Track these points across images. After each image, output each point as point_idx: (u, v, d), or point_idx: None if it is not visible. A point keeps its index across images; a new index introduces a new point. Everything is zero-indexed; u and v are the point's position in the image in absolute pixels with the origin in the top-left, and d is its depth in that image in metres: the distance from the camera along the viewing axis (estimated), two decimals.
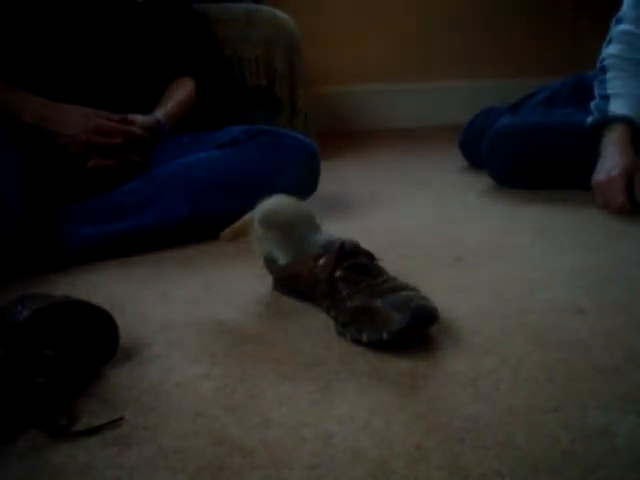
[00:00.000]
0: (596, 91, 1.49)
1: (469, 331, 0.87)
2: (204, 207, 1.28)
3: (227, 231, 1.06)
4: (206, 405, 0.73)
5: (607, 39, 1.52)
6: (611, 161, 1.38)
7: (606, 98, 1.45)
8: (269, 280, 1.04)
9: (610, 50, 1.49)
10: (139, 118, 1.39)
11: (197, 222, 1.28)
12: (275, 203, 0.99)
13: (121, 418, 0.70)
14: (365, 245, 0.95)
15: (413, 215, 1.44)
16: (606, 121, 1.43)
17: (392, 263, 0.94)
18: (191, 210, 1.27)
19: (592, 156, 1.42)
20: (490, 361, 0.79)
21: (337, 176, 1.69)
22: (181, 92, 1.54)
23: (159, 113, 1.45)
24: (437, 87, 2.65)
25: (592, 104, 1.48)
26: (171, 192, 1.27)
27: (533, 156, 1.53)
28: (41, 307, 0.75)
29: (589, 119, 1.46)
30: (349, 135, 2.45)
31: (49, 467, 0.64)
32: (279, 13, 1.89)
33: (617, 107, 1.42)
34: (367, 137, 2.44)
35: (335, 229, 1.02)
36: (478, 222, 1.37)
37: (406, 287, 0.86)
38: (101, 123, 1.32)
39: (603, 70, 1.49)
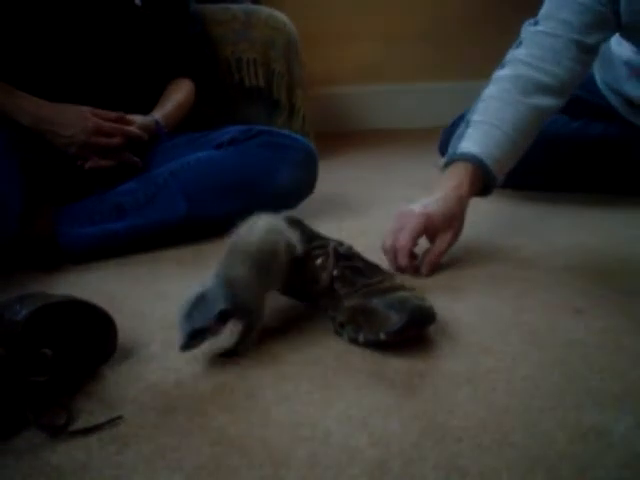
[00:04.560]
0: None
1: (466, 331, 0.87)
2: (202, 207, 1.28)
3: None
4: (204, 404, 0.73)
5: (517, 41, 1.23)
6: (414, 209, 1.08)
7: (466, 126, 1.18)
8: None
9: (517, 53, 1.20)
10: (138, 118, 1.39)
11: (195, 222, 1.28)
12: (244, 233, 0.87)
13: (119, 417, 0.70)
14: (362, 246, 0.95)
15: None
16: (453, 159, 1.15)
17: (389, 264, 0.94)
18: (189, 210, 1.27)
19: (587, 159, 1.42)
20: (487, 361, 0.80)
21: (335, 176, 1.69)
22: (180, 93, 1.55)
23: (157, 114, 1.45)
24: (435, 88, 2.65)
25: (457, 133, 1.21)
26: (169, 192, 1.27)
27: (529, 162, 1.51)
28: (40, 306, 0.76)
29: (443, 161, 1.20)
30: (347, 136, 2.46)
31: (47, 466, 0.64)
32: (278, 14, 1.90)
33: (470, 142, 1.14)
34: (365, 138, 2.44)
35: (332, 229, 1.03)
36: (474, 222, 1.37)
37: (403, 287, 0.86)
38: (100, 124, 1.32)
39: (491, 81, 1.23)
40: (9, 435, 0.69)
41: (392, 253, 1.05)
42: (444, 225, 1.07)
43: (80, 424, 0.70)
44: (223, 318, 0.79)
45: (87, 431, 0.68)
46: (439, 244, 1.08)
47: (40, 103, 1.31)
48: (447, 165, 1.15)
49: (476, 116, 1.17)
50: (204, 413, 0.71)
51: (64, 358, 0.76)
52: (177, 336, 0.78)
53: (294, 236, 0.89)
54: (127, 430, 0.69)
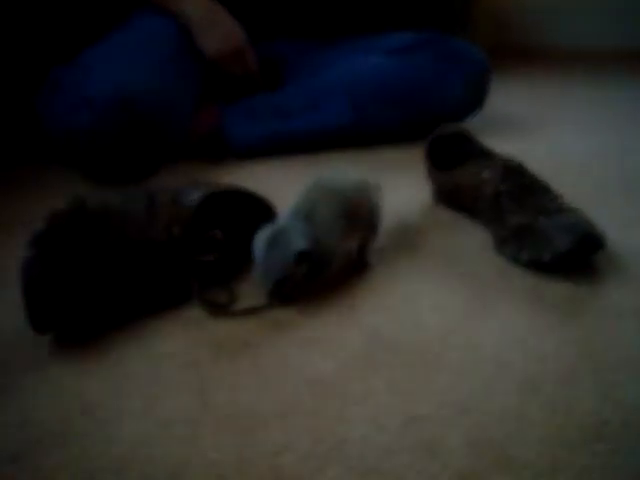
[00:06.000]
0: None
1: (636, 265, 0.82)
2: (369, 116, 1.27)
3: None
4: (361, 301, 0.75)
5: None
6: None
7: None
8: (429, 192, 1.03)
9: None
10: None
11: (360, 129, 1.28)
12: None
13: (277, 303, 0.73)
14: (530, 165, 0.91)
15: (582, 141, 1.35)
16: None
17: (557, 189, 0.89)
18: (355, 117, 1.27)
19: None
20: None
21: (504, 94, 1.61)
22: None
23: None
24: (617, 5, 2.42)
25: None
26: (336, 97, 1.27)
27: None
28: (211, 192, 0.80)
29: None
30: (519, 51, 2.33)
31: (211, 338, 0.69)
32: None
33: None
34: (538, 54, 2.30)
35: (499, 149, 0.99)
36: None
37: (574, 210, 0.82)
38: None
39: None
40: (178, 306, 0.74)
41: None
42: None
43: (241, 305, 0.74)
44: (302, 259, 0.71)
45: (247, 312, 0.73)
46: None
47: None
48: None
49: None
50: (361, 309, 0.73)
51: (230, 242, 0.80)
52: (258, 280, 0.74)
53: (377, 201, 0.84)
54: (284, 316, 0.72)
